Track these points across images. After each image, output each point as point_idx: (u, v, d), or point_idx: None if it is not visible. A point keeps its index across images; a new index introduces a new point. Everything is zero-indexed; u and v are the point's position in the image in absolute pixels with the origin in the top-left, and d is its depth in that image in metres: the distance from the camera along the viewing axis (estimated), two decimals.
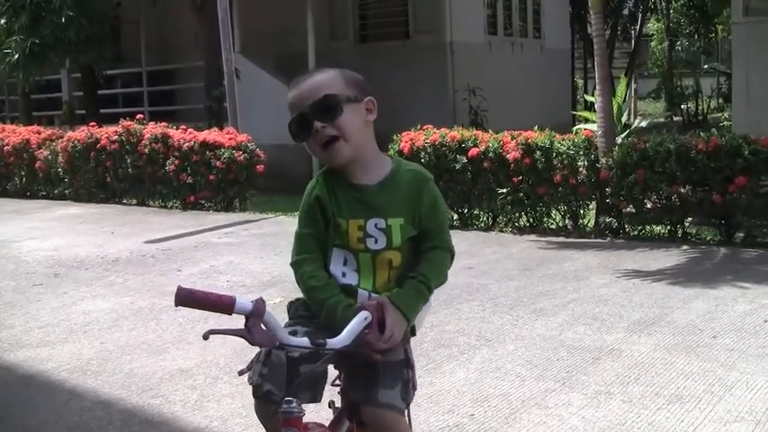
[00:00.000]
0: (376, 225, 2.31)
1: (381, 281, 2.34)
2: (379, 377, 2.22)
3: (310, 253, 2.34)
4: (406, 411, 2.30)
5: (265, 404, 2.20)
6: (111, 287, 6.87)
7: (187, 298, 1.99)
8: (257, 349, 2.16)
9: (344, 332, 2.12)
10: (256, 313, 2.00)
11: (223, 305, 2.00)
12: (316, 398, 2.27)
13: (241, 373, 2.25)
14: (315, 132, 2.26)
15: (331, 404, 2.44)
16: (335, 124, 2.26)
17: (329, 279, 2.31)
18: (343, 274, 2.33)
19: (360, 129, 2.31)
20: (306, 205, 2.36)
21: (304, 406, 2.12)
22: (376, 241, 2.32)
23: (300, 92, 2.29)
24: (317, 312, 2.30)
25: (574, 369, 4.54)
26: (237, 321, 2.03)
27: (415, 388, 2.35)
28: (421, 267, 2.35)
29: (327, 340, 2.10)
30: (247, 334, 2.00)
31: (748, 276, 6.49)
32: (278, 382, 2.17)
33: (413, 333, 2.41)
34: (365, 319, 2.14)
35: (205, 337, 1.98)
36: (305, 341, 2.10)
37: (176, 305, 2.00)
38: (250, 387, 2.26)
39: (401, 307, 2.24)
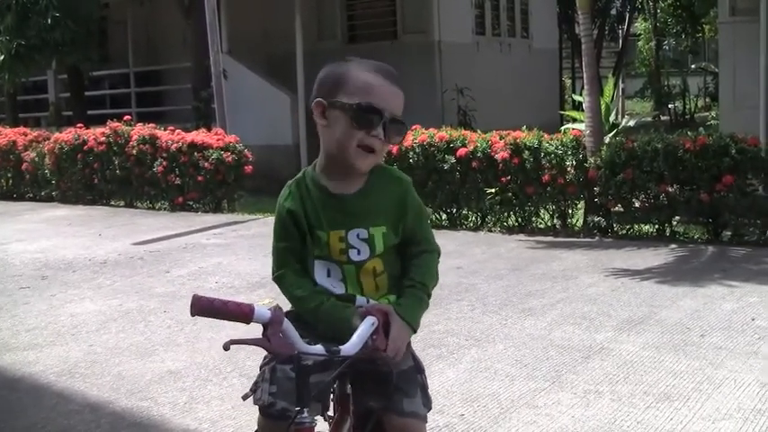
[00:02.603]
0: (358, 236, 2.25)
1: (369, 289, 2.29)
2: (393, 385, 2.19)
3: (290, 266, 2.28)
4: (425, 420, 2.30)
5: (279, 422, 2.14)
6: (99, 289, 6.84)
7: (205, 308, 1.94)
8: (249, 350, 2.13)
9: (354, 338, 2.08)
10: (276, 321, 1.96)
11: (242, 314, 1.96)
12: (326, 408, 2.25)
13: (245, 397, 2.20)
14: (372, 135, 2.16)
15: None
16: (386, 149, 2.23)
17: (315, 287, 2.26)
18: (333, 286, 2.28)
19: None
20: (279, 218, 2.29)
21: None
22: (359, 252, 2.25)
23: (393, 94, 2.21)
24: (313, 321, 2.24)
25: (563, 368, 4.54)
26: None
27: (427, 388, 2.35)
28: (416, 274, 2.30)
29: (340, 347, 2.06)
30: (267, 343, 1.96)
31: (736, 275, 6.51)
32: (290, 398, 2.12)
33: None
34: (372, 324, 2.11)
35: (226, 347, 1.94)
36: (320, 348, 2.06)
37: (193, 315, 1.95)
38: (239, 389, 2.24)
39: (406, 317, 2.19)
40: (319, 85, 2.25)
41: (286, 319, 2.00)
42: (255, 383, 2.24)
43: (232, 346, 1.98)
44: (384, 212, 2.27)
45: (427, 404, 2.31)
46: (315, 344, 2.08)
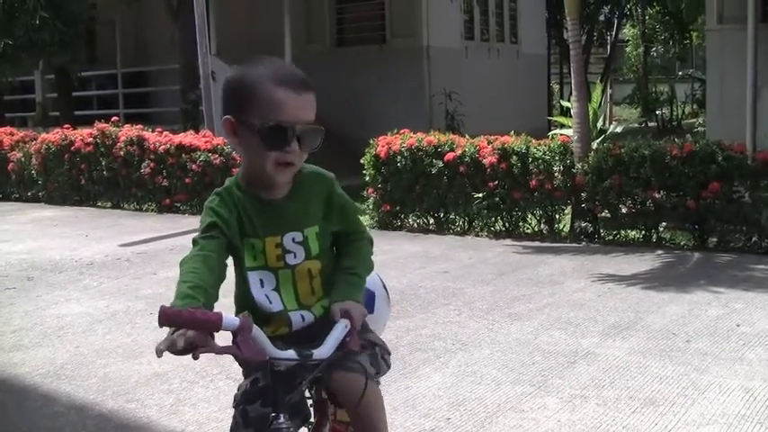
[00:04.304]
0: (293, 239, 2.24)
1: (303, 292, 2.28)
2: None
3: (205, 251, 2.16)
4: (376, 381, 2.30)
5: None
6: (85, 291, 6.82)
7: (172, 318, 1.92)
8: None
9: (328, 341, 2.09)
10: (245, 328, 1.95)
11: (210, 323, 1.93)
12: (307, 418, 2.25)
13: None
14: (286, 152, 2.14)
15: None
16: (305, 156, 2.19)
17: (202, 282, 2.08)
18: (267, 298, 2.25)
19: None
20: (206, 217, 2.22)
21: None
22: (295, 256, 2.25)
23: (301, 105, 2.15)
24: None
25: (549, 373, 4.56)
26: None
27: (389, 353, 2.39)
28: (349, 262, 2.32)
29: (313, 351, 2.07)
30: (237, 350, 1.96)
31: (721, 281, 6.54)
32: None
33: None
34: (345, 327, 2.12)
35: (195, 357, 1.93)
36: (291, 353, 2.06)
37: (161, 326, 1.93)
38: (226, 391, 2.25)
39: (352, 298, 2.22)
40: (226, 97, 2.20)
41: (255, 325, 1.99)
42: (233, 423, 2.23)
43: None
44: (314, 211, 2.28)
45: (376, 365, 2.31)
46: (286, 349, 2.08)
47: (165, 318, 1.91)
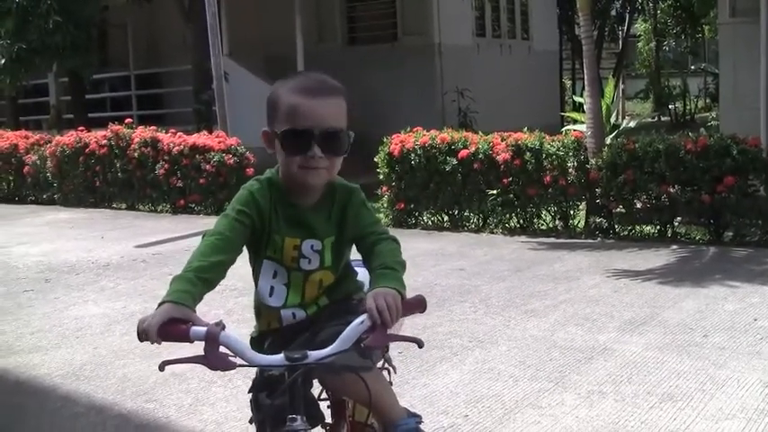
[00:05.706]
0: (312, 247, 2.26)
1: (310, 296, 2.31)
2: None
3: (221, 237, 2.21)
4: (371, 370, 2.25)
5: None
6: (102, 292, 6.85)
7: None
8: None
9: (337, 341, 2.03)
10: (211, 338, 1.97)
11: (181, 334, 1.99)
12: (321, 419, 2.25)
13: (251, 421, 2.28)
14: (309, 157, 2.14)
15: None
16: (333, 160, 2.19)
17: (204, 269, 2.19)
18: (271, 290, 2.29)
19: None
20: (241, 201, 2.25)
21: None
22: (309, 262, 2.27)
23: (317, 108, 2.15)
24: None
25: (566, 369, 4.56)
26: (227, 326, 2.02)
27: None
28: (376, 262, 2.23)
29: (309, 353, 2.02)
30: (204, 360, 1.97)
31: (737, 275, 6.52)
32: (272, 423, 2.13)
33: None
34: (361, 323, 2.03)
35: (161, 368, 1.99)
36: (278, 359, 2.03)
37: (140, 341, 2.02)
38: (244, 390, 2.27)
39: (389, 286, 2.10)
40: (266, 111, 2.26)
41: (230, 333, 1.99)
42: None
43: None
44: (333, 221, 2.29)
45: (365, 355, 2.18)
46: (280, 350, 2.07)
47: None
